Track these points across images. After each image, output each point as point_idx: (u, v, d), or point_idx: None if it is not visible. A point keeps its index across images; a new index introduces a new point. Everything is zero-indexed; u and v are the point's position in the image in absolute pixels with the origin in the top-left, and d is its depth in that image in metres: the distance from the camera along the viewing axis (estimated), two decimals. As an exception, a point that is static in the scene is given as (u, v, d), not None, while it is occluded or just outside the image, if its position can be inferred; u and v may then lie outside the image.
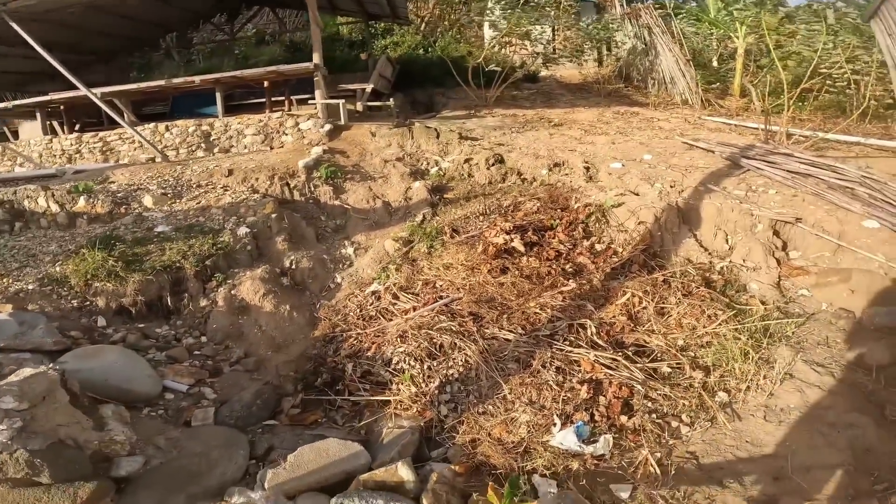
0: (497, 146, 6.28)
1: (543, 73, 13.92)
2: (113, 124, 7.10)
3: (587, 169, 5.39)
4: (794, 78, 7.71)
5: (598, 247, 4.04)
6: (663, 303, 3.37)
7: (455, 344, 3.12)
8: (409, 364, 3.12)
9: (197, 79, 6.65)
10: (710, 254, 3.94)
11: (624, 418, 2.62)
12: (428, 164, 6.05)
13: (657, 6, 11.96)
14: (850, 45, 7.59)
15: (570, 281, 3.71)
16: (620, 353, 3.05)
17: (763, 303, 3.33)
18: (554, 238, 4.13)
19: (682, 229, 4.16)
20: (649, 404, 2.69)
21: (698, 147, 5.60)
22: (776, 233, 3.85)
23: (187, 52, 11.43)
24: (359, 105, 7.83)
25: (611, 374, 2.85)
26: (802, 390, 2.62)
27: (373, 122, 7.42)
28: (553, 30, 13.87)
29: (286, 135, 6.25)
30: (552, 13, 11.86)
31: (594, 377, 2.91)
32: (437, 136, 6.54)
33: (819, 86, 8.36)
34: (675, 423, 2.62)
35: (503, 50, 11.58)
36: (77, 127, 8.02)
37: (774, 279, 3.56)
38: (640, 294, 3.48)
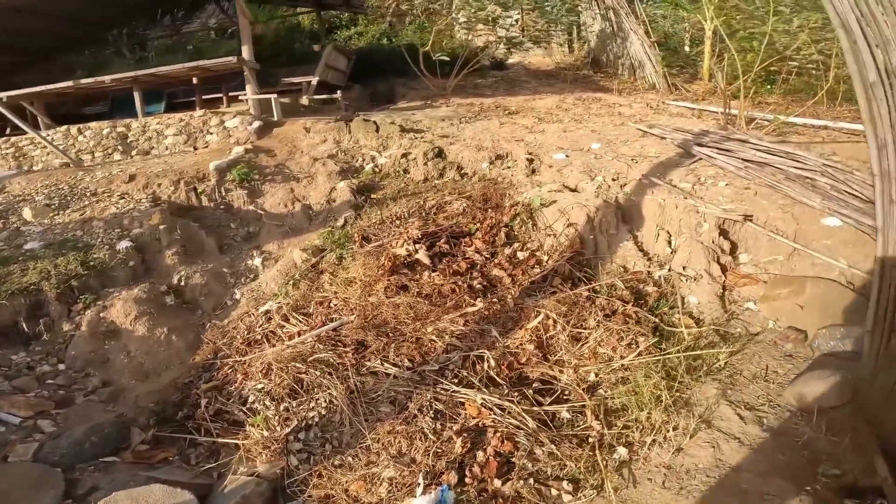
0: (440, 138, 5.62)
1: (512, 59, 13.15)
2: (38, 128, 6.43)
3: (530, 161, 4.74)
4: (758, 60, 7.05)
5: (520, 255, 3.41)
6: (581, 326, 2.75)
7: (321, 382, 2.52)
8: (265, 404, 2.53)
9: (107, 78, 5.96)
10: (649, 259, 3.32)
11: (498, 482, 2.03)
12: (363, 160, 5.40)
13: None
14: (814, 21, 6.88)
15: (479, 300, 3.08)
16: (517, 393, 2.45)
17: (699, 322, 2.72)
18: (470, 246, 3.50)
19: (620, 230, 3.53)
20: (530, 465, 2.09)
21: (652, 134, 4.94)
22: (724, 233, 3.22)
23: (140, 50, 10.65)
24: (304, 99, 7.14)
25: (498, 421, 2.25)
26: (717, 444, 2.02)
27: (318, 116, 6.73)
28: (522, 14, 13.07)
29: (211, 134, 5.58)
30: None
31: (480, 423, 2.31)
32: (377, 130, 5.87)
33: (787, 67, 7.68)
34: (555, 491, 2.01)
35: (467, 36, 10.82)
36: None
37: (718, 291, 2.94)
38: (555, 316, 2.85)
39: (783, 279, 2.82)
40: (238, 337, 3.21)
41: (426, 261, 3.39)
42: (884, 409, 1.80)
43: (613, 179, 3.96)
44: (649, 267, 3.27)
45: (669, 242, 3.38)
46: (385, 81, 9.95)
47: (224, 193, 4.50)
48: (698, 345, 2.56)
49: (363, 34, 12.02)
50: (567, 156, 4.57)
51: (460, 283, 3.22)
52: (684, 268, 3.10)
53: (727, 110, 5.30)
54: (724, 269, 3.08)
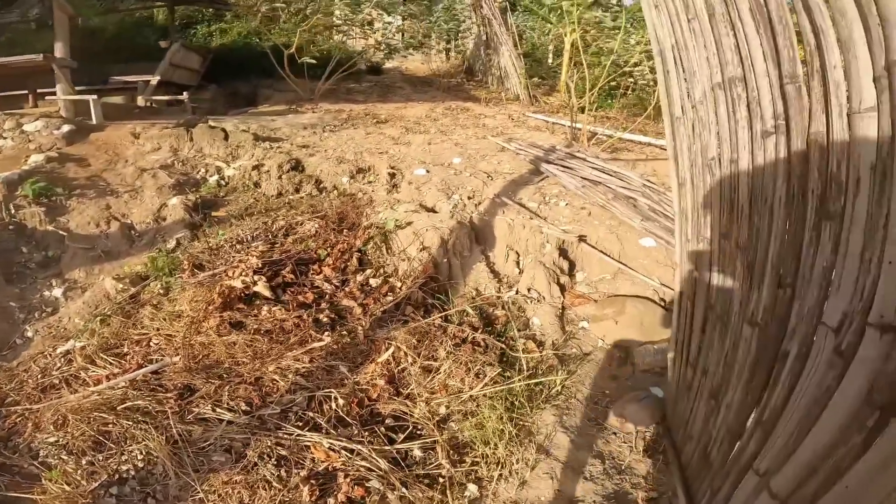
0: (300, 149, 5.18)
1: (390, 64, 12.94)
2: None
3: (392, 176, 4.57)
4: (605, 75, 7.73)
5: (373, 282, 3.21)
6: (432, 357, 2.64)
7: (133, 434, 2.08)
8: (62, 458, 2.03)
9: None
10: (500, 281, 3.34)
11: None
12: (207, 172, 4.75)
13: None
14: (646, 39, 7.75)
15: (327, 334, 2.82)
16: (369, 432, 2.26)
17: (541, 345, 2.78)
18: (319, 274, 3.21)
19: (474, 251, 3.51)
20: (381, 512, 1.92)
21: (510, 149, 5.08)
22: (563, 253, 3.36)
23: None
24: (140, 100, 6.14)
25: (349, 464, 2.05)
26: (555, 474, 2.04)
27: (156, 119, 5.82)
28: (403, 19, 12.90)
29: (4, 139, 4.48)
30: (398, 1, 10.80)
31: (330, 467, 2.09)
32: (226, 138, 5.24)
33: (625, 83, 8.55)
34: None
35: (341, 39, 10.33)
36: None
37: (557, 311, 3.04)
38: (406, 347, 2.71)
39: (609, 300, 3.00)
40: (30, 381, 2.56)
41: (267, 293, 3.02)
42: (683, 437, 1.92)
43: (469, 198, 3.94)
44: (500, 289, 3.29)
45: (518, 263, 3.44)
46: (248, 83, 9.08)
47: (14, 211, 3.59)
48: (539, 370, 2.59)
49: (227, 31, 10.83)
50: (428, 171, 4.48)
51: (306, 316, 2.91)
52: (529, 290, 3.16)
53: (573, 124, 5.68)
54: (562, 289, 3.20)
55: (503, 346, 2.75)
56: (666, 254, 3.13)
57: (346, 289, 3.20)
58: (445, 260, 3.35)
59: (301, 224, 3.73)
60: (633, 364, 2.69)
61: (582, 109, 7.73)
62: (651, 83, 7.90)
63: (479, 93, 9.58)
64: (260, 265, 3.10)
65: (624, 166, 4.58)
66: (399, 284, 3.22)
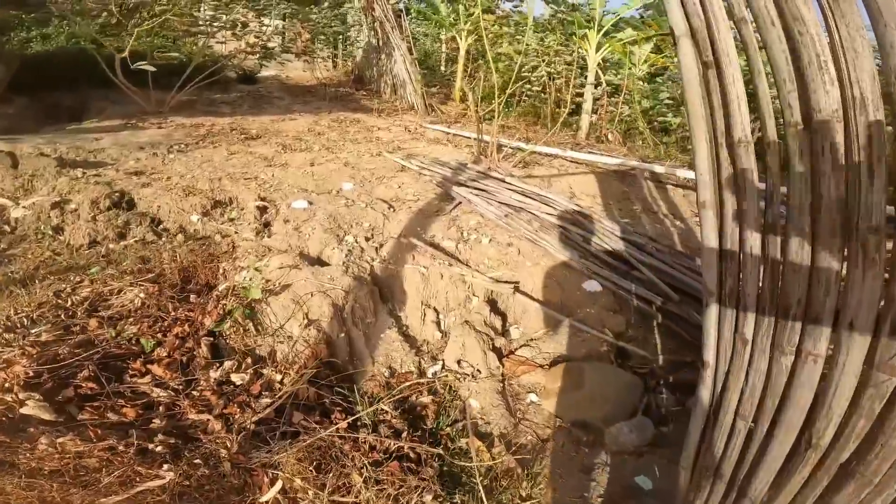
0: (130, 177, 3.87)
1: (268, 72, 11.50)
2: None
3: (262, 210, 3.51)
4: (503, 82, 7.36)
5: (236, 378, 2.20)
6: (345, 489, 1.73)
7: None
8: None
9: None
10: (419, 351, 2.52)
11: None
12: (-20, 218, 3.27)
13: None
14: (551, 44, 7.53)
15: (167, 467, 1.77)
16: None
17: (487, 437, 2.01)
18: (145, 375, 2.11)
19: (380, 315, 2.64)
20: None
21: (412, 168, 4.29)
22: (494, 305, 2.65)
23: None
24: None
25: None
26: None
27: None
28: (283, 19, 11.50)
29: None
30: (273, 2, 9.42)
31: None
32: (15, 165, 3.74)
33: (520, 89, 8.31)
34: None
35: (204, 42, 8.75)
36: None
37: (498, 386, 2.31)
38: (300, 478, 1.78)
39: (561, 369, 2.34)
40: None
41: (48, 416, 1.86)
42: None
43: (367, 239, 3.06)
44: (421, 362, 2.47)
45: (439, 324, 2.65)
46: (75, 94, 7.17)
47: None
48: (496, 484, 1.82)
49: (49, 37, 8.58)
50: (311, 203, 3.51)
51: (124, 445, 1.82)
52: (459, 361, 2.39)
53: (480, 136, 5.07)
54: (500, 354, 2.48)
55: (441, 451, 1.93)
56: (615, 299, 2.57)
57: (195, 393, 2.14)
58: (343, 334, 2.44)
59: (118, 292, 2.54)
60: (605, 446, 2.05)
61: (490, 118, 7.28)
62: (545, 87, 7.72)
63: (371, 102, 8.69)
64: (31, 373, 1.92)
65: (541, 184, 4.05)
66: (279, 378, 2.24)
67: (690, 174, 4.26)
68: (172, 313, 2.45)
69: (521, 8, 8.91)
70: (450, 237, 3.07)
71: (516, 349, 2.55)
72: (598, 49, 6.72)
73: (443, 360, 2.44)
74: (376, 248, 2.99)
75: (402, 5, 10.47)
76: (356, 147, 5.14)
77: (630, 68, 7.21)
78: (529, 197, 3.38)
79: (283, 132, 5.83)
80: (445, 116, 7.77)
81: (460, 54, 9.51)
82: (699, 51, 1.27)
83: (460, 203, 3.47)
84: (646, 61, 7.42)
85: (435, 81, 10.98)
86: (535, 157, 5.10)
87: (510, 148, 5.30)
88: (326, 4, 11.10)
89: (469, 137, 5.67)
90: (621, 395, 2.21)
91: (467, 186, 3.62)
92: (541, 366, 2.43)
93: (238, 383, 2.21)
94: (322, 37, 10.47)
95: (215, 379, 2.20)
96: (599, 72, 7.09)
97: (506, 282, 2.69)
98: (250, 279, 2.53)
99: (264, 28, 9.76)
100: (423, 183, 3.93)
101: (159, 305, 2.49)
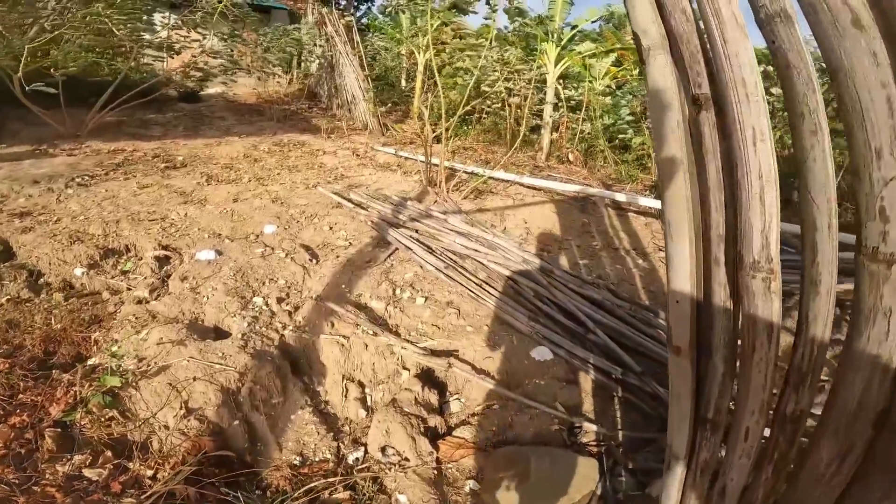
0: (12, 220, 3.30)
1: (214, 90, 10.92)
2: None
3: (161, 262, 3.01)
4: (459, 99, 7.05)
5: (90, 474, 1.70)
6: None
7: None
8: None
9: None
10: (338, 433, 2.08)
11: None
12: None
13: (343, 13, 10.38)
14: (510, 58, 7.27)
15: None
16: None
17: None
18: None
19: (291, 393, 2.18)
20: None
21: (348, 203, 3.86)
22: (429, 377, 2.23)
23: None
24: None
25: None
26: None
27: None
28: (225, 39, 10.93)
29: None
30: (213, 19, 8.87)
31: None
32: None
33: (479, 106, 8.03)
34: None
35: (139, 60, 8.14)
36: None
37: (432, 475, 1.88)
38: None
39: (504, 457, 1.94)
40: None
41: None
42: None
43: (281, 299, 2.61)
44: (340, 447, 2.02)
45: (364, 400, 2.22)
46: (-14, 113, 6.45)
47: None
48: None
49: None
50: (220, 252, 3.02)
51: None
52: (384, 448, 1.95)
53: (429, 163, 4.70)
54: (435, 435, 2.06)
55: None
56: (568, 367, 2.20)
57: (36, 489, 1.64)
58: (237, 421, 1.97)
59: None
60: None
61: (438, 139, 6.94)
62: (503, 104, 7.46)
63: (322, 122, 8.24)
64: None
65: (494, 219, 3.70)
66: (149, 474, 1.76)
67: (652, 202, 4.00)
68: (20, 396, 1.95)
69: (488, 21, 8.67)
70: (380, 295, 2.65)
71: (455, 426, 2.15)
72: (557, 63, 6.51)
73: (365, 444, 2.00)
74: (290, 311, 2.53)
75: (355, 19, 10.11)
76: (292, 177, 4.67)
77: (590, 83, 7.03)
78: (476, 241, 3.00)
79: (214, 159, 5.31)
80: (401, 136, 7.40)
81: (419, 70, 9.20)
82: (687, 78, 0.76)
83: (397, 250, 3.06)
84: (606, 74, 7.27)
85: (394, 98, 10.64)
86: (492, 183, 4.76)
87: (465, 172, 4.95)
88: (279, 24, 10.64)
89: (421, 161, 5.29)
90: (573, 482, 1.83)
91: (406, 228, 3.22)
92: (482, 448, 2.03)
93: (93, 479, 1.72)
94: (274, 52, 9.95)
95: (64, 474, 1.70)
96: (559, 87, 6.88)
97: (442, 352, 2.28)
98: (115, 361, 2.03)
99: (205, 44, 9.21)
100: (359, 223, 3.50)
101: (8, 385, 1.97)
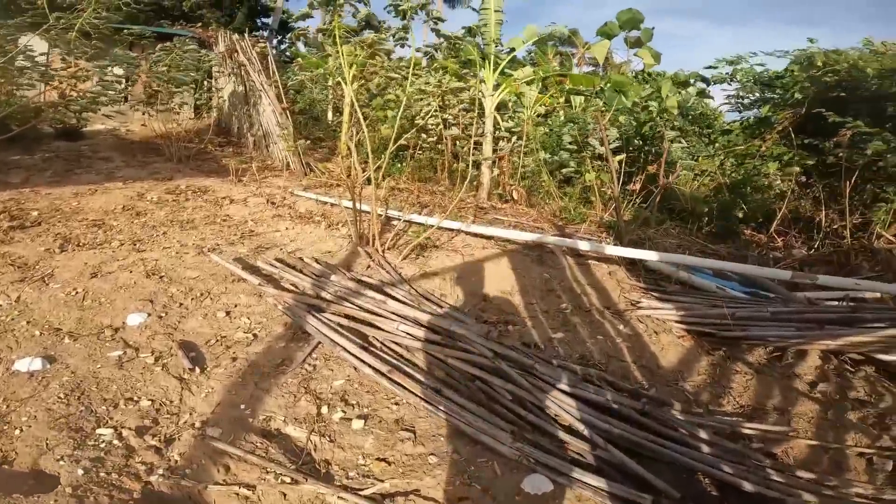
0: None
1: (103, 125, 9.59)
2: None
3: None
4: (394, 132, 6.48)
5: None
6: None
7: None
8: None
9: None
10: None
11: None
12: None
13: (259, 40, 9.51)
14: (447, 85, 6.80)
15: None
16: None
17: None
18: None
19: None
20: None
21: (253, 280, 3.03)
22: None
23: None
24: None
25: None
26: None
27: None
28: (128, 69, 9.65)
29: None
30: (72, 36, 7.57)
31: None
32: None
33: (414, 141, 7.51)
34: None
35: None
36: None
37: None
38: None
39: None
40: None
41: None
42: None
43: (144, 431, 1.74)
44: None
45: None
46: None
47: None
48: None
49: None
50: (51, 359, 2.09)
51: None
52: None
53: (357, 211, 3.95)
54: None
55: None
56: (575, 499, 1.55)
57: None
58: None
59: None
60: None
61: (369, 181, 6.27)
62: (440, 138, 7.00)
63: (234, 161, 7.27)
64: None
65: (444, 286, 3.05)
66: None
67: (619, 251, 3.58)
68: None
69: (407, 42, 8.23)
70: (299, 417, 1.87)
71: None
72: (495, 90, 6.14)
73: None
74: (159, 446, 1.68)
75: (279, 49, 9.38)
76: (183, 237, 3.75)
77: (525, 111, 6.76)
78: (425, 327, 2.32)
79: (81, 213, 4.24)
80: (327, 177, 6.64)
81: (345, 102, 8.56)
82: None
83: (320, 344, 2.30)
84: (536, 102, 7.06)
85: (319, 133, 9.89)
86: (434, 234, 4.14)
87: (403, 220, 4.30)
88: (182, 51, 9.61)
89: (348, 207, 4.56)
90: None
91: (333, 311, 2.47)
92: None
93: None
94: (172, 83, 8.83)
95: None
96: (497, 117, 6.53)
97: (398, 495, 1.55)
98: None
99: (104, 75, 7.94)
100: (269, 305, 2.69)
101: None
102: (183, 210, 4.56)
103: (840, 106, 4.37)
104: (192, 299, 2.70)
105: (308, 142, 8.73)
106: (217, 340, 2.34)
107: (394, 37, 8.39)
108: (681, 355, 2.56)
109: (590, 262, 3.75)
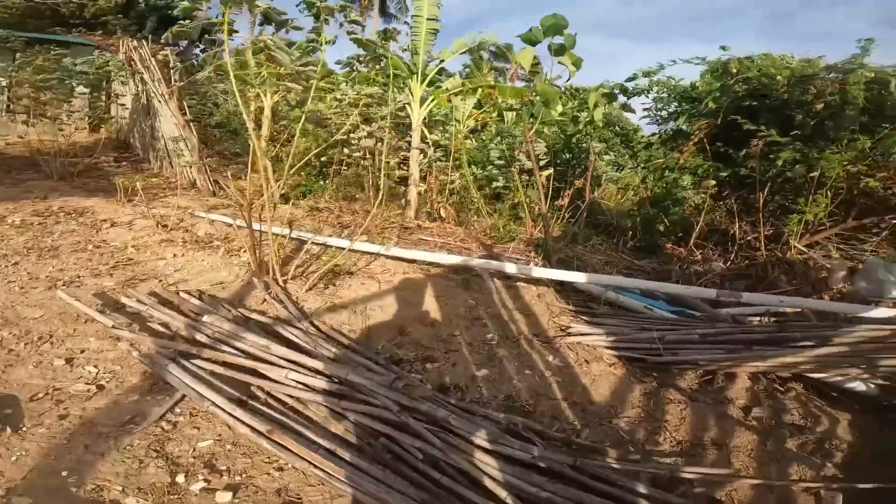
0: None
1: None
2: None
3: None
4: (316, 146, 6.03)
5: None
6: None
7: None
8: None
9: None
10: None
11: None
12: None
13: (163, 47, 8.64)
14: (369, 92, 6.44)
15: None
16: None
17: None
18: None
19: None
20: None
21: (106, 318, 2.49)
22: None
23: None
24: None
25: None
26: None
27: None
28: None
29: None
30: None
31: None
32: None
33: (338, 156, 7.10)
34: None
35: None
36: None
37: None
38: None
39: None
40: None
41: None
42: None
43: None
44: None
45: None
46: None
47: None
48: None
49: None
50: None
51: None
52: None
53: (253, 236, 3.48)
54: None
55: None
56: None
57: None
58: None
59: None
60: None
61: (286, 199, 5.79)
62: (366, 153, 6.63)
63: (129, 179, 6.43)
64: None
65: (353, 319, 2.68)
66: None
67: (547, 273, 3.39)
68: None
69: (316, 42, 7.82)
70: (144, 487, 1.41)
71: None
72: (422, 103, 5.89)
73: None
74: None
75: (196, 59, 8.60)
76: (39, 267, 3.10)
77: (456, 125, 6.59)
78: (324, 376, 1.94)
79: None
80: (239, 197, 6.01)
81: (264, 115, 7.97)
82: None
83: (185, 398, 1.84)
84: (469, 116, 6.93)
85: (237, 148, 9.18)
86: (351, 256, 3.75)
87: (312, 243, 3.87)
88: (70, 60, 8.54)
89: (249, 231, 4.05)
90: None
91: (207, 353, 2.02)
92: None
93: None
94: (45, 92, 7.69)
95: None
96: (425, 130, 6.28)
97: None
98: None
99: None
100: (120, 352, 2.18)
101: None
102: (48, 235, 3.85)
103: (752, 115, 4.52)
104: (27, 344, 2.13)
105: (216, 157, 8.04)
106: (47, 394, 1.83)
107: (309, 41, 7.92)
108: (613, 386, 2.36)
109: (518, 284, 3.53)
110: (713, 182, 4.85)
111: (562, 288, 3.47)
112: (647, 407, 2.21)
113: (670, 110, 6.15)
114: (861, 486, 1.58)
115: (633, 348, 2.50)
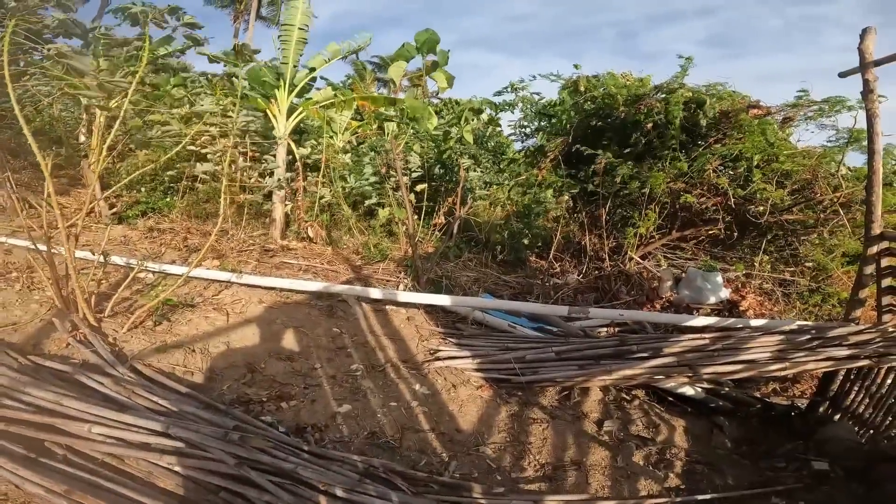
0: None
1: None
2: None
3: None
4: (166, 161, 5.25)
5: None
6: None
7: None
8: None
9: None
10: None
11: None
12: None
13: None
14: (217, 107, 5.77)
15: None
16: None
17: None
18: None
19: None
20: None
21: None
22: None
23: None
24: None
25: None
26: None
27: None
28: None
29: None
30: None
31: None
32: None
33: (192, 171, 6.31)
34: None
35: None
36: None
37: None
38: None
39: None
40: None
41: None
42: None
43: None
44: None
45: None
46: None
47: None
48: None
49: None
50: None
51: None
52: None
53: (53, 269, 2.82)
54: None
55: None
56: None
57: None
58: None
59: None
60: None
61: (121, 219, 4.95)
62: (221, 164, 5.97)
63: None
64: None
65: (190, 358, 2.29)
66: None
67: (410, 296, 3.32)
68: None
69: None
70: None
71: None
72: (290, 115, 5.48)
73: None
74: None
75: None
76: None
77: (330, 138, 6.27)
78: (149, 428, 1.57)
79: None
80: (62, 218, 4.95)
81: (98, 122, 6.75)
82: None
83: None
84: (347, 129, 6.67)
85: (61, 160, 7.66)
86: (196, 287, 3.25)
87: (149, 272, 3.30)
88: None
89: (85, 260, 3.31)
90: None
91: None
92: None
93: None
94: None
95: None
96: (292, 144, 5.86)
97: None
98: None
99: None
100: None
101: None
102: None
103: (598, 133, 4.92)
104: None
105: (29, 170, 6.64)
106: None
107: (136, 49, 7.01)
108: (480, 410, 2.34)
109: (387, 307, 3.40)
110: (567, 197, 5.27)
111: (432, 309, 3.42)
112: (512, 430, 2.22)
113: (533, 127, 6.52)
114: (700, 497, 1.73)
115: (498, 369, 2.53)
